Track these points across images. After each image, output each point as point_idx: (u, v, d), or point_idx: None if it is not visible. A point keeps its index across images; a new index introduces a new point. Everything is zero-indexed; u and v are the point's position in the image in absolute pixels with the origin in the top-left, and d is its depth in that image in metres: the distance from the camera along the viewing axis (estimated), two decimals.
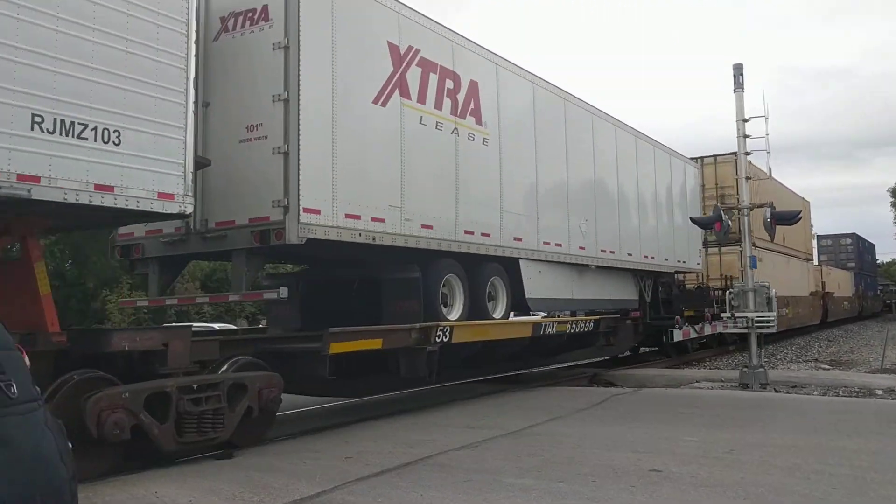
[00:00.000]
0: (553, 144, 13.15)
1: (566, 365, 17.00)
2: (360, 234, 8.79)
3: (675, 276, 20.02)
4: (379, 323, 9.68)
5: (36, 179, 5.66)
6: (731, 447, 7.18)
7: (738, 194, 20.89)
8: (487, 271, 11.25)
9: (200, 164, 7.65)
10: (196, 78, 7.51)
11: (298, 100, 8.02)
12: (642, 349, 20.45)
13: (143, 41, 6.42)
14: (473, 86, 10.98)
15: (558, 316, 14.41)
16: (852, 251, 63.51)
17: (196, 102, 7.61)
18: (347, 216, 8.61)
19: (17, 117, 5.53)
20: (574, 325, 13.60)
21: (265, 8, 8.30)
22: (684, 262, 19.10)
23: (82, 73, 5.96)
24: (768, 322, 13.53)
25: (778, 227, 14.66)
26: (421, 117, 9.92)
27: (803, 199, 32.50)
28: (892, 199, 64.94)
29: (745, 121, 13.90)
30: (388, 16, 9.53)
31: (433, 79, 10.18)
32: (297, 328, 10.48)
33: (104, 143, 6.09)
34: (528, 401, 11.19)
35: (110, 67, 6.17)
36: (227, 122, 8.50)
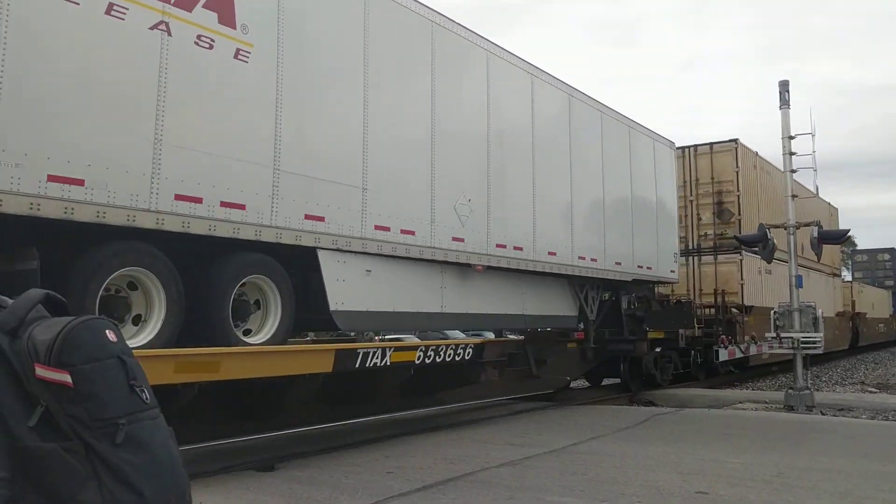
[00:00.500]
0: (395, 59, 8.76)
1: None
2: None
3: (656, 288, 16.14)
4: None
5: None
6: (778, 470, 7.01)
7: (737, 189, 19.73)
8: (235, 267, 7.00)
9: None
10: None
11: None
12: (607, 380, 16.67)
13: None
14: None
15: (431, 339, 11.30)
16: (890, 267, 58.96)
17: None
18: None
19: None
20: (433, 353, 9.35)
21: None
22: (650, 268, 14.52)
23: None
24: (814, 343, 13.26)
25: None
26: None
27: (829, 204, 29.04)
28: None
29: (792, 138, 13.67)
30: None
31: None
32: None
33: None
34: (569, 419, 11.07)
35: None
36: None
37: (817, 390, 15.61)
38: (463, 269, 9.81)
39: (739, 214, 19.87)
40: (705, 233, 20.33)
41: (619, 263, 13.40)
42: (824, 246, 14.77)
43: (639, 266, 14.10)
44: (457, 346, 10.04)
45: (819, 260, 18.33)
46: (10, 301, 1.39)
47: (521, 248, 10.70)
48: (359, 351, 8.27)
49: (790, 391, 13.08)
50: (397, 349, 9.08)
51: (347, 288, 8.01)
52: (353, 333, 13.35)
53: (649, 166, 14.76)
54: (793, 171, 13.85)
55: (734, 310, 19.31)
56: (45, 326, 1.33)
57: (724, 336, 17.01)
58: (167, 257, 6.33)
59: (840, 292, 32.16)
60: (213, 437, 8.26)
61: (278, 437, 9.77)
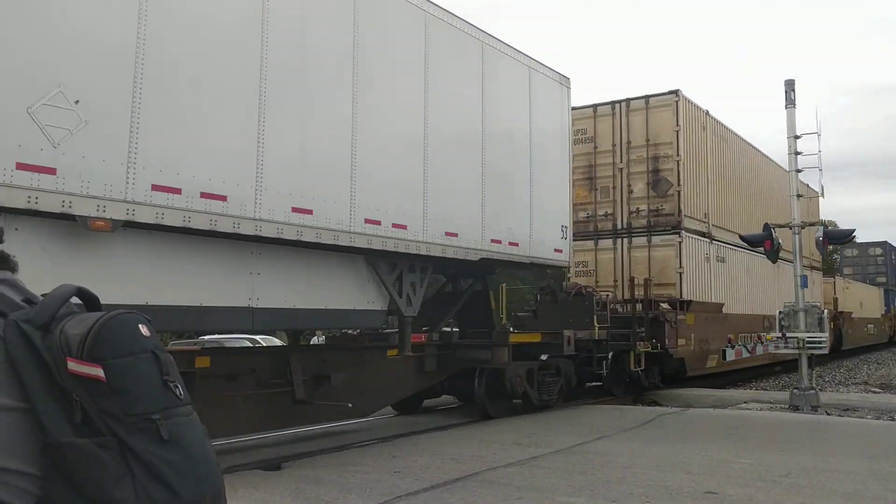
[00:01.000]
0: None
1: None
2: None
3: (566, 275, 13.30)
4: None
5: None
6: (787, 470, 7.00)
7: (677, 154, 15.66)
8: None
9: None
10: None
11: None
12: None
13: None
14: None
15: None
16: (883, 263, 50.87)
17: None
18: None
19: None
20: None
21: None
22: (515, 244, 10.78)
23: None
24: (820, 343, 13.24)
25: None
26: None
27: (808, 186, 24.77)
28: None
29: (797, 137, 13.63)
30: None
31: None
32: None
33: None
34: (576, 418, 11.05)
35: None
36: None
37: (821, 390, 15.59)
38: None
39: (679, 185, 15.87)
40: (637, 208, 16.31)
41: (455, 235, 9.56)
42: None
43: (494, 240, 10.28)
44: None
45: (823, 261, 18.07)
46: (41, 297, 1.37)
47: (222, 198, 6.56)
48: None
49: (795, 391, 13.05)
50: None
51: None
52: None
53: (521, 103, 11.24)
54: (798, 171, 13.83)
55: (664, 305, 15.28)
56: (77, 321, 1.32)
57: (643, 340, 13.79)
58: None
59: (820, 288, 26.85)
60: (215, 436, 7.92)
61: (283, 437, 9.78)
